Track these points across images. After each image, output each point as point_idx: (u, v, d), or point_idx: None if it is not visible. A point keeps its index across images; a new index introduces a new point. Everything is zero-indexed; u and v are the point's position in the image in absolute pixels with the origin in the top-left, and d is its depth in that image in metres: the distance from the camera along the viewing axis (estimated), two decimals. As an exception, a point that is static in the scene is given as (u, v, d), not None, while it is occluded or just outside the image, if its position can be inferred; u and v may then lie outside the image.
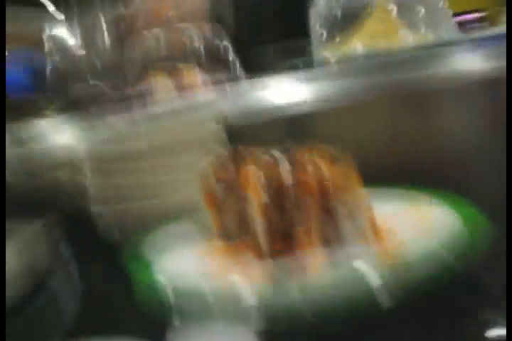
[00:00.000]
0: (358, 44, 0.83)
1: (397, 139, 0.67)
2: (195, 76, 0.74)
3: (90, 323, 0.45)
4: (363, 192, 0.43)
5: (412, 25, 0.85)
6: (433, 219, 0.45)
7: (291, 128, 0.72)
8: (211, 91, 0.70)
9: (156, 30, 0.72)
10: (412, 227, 0.44)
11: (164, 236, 0.50)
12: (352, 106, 0.62)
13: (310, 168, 0.42)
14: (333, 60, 0.82)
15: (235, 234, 0.47)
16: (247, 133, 0.65)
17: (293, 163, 0.44)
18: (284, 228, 0.44)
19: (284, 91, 0.75)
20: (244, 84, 0.76)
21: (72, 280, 0.51)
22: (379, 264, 0.38)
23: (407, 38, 0.84)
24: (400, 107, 0.69)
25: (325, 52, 0.87)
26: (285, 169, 0.43)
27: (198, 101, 0.67)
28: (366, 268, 0.38)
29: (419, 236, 0.42)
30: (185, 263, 0.44)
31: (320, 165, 0.42)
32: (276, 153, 0.45)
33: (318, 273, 0.40)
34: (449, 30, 0.83)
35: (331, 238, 0.42)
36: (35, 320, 0.44)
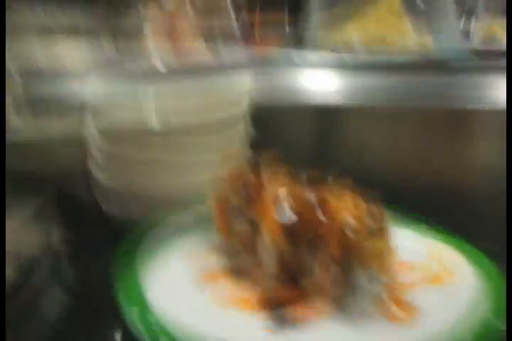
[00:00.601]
0: (357, 32, 0.82)
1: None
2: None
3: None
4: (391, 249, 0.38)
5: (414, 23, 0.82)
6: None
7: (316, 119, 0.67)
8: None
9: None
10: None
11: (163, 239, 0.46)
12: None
13: (337, 210, 0.36)
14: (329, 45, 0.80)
15: (239, 253, 0.42)
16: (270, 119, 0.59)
17: (321, 201, 0.38)
18: (293, 269, 0.39)
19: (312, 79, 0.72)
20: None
21: (62, 272, 0.45)
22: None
23: (410, 37, 0.82)
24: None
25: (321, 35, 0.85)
26: (312, 207, 0.37)
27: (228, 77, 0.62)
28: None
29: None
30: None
31: (349, 209, 0.36)
32: (303, 184, 0.39)
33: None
34: (451, 38, 0.82)
35: (342, 298, 0.37)
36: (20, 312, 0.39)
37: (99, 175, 0.54)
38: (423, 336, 0.35)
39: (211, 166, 0.51)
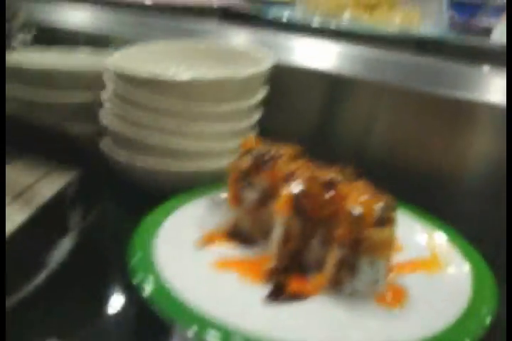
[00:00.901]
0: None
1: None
2: None
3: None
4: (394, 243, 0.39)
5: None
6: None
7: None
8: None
9: None
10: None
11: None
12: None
13: (348, 194, 0.37)
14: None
15: (246, 231, 0.43)
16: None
17: (332, 182, 0.39)
18: (299, 251, 0.41)
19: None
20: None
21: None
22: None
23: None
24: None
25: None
26: (323, 186, 0.38)
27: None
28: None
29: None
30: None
31: (363, 201, 0.37)
32: (322, 173, 0.40)
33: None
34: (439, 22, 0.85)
35: (343, 281, 0.39)
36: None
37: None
38: (408, 321, 0.37)
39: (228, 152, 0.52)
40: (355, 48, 0.79)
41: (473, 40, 0.83)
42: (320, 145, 0.62)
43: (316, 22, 0.90)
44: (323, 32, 0.87)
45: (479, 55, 0.75)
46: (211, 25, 0.97)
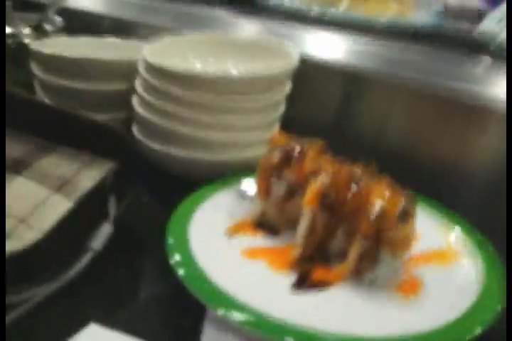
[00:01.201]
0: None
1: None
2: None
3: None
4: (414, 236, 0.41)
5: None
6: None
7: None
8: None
9: None
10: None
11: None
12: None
13: (373, 202, 0.40)
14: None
15: (273, 221, 0.46)
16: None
17: (358, 190, 0.41)
18: (323, 241, 0.43)
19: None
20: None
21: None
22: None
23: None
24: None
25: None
26: (351, 189, 0.41)
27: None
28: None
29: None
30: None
31: (386, 196, 0.40)
32: (345, 168, 0.43)
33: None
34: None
35: (363, 271, 0.42)
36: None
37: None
38: (421, 310, 0.40)
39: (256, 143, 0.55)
40: (366, 42, 0.82)
41: (462, 30, 0.83)
42: (337, 138, 0.64)
43: (315, 11, 0.92)
44: (321, 22, 0.89)
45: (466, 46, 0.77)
46: (220, 12, 1.00)
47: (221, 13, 0.99)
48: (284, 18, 0.93)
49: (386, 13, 0.91)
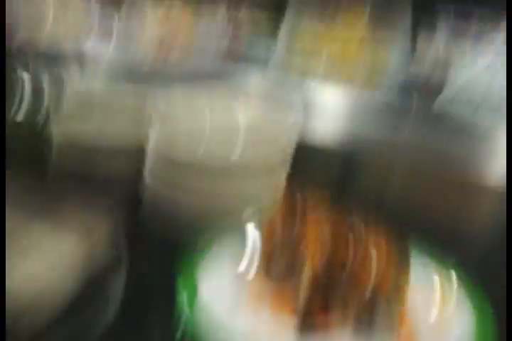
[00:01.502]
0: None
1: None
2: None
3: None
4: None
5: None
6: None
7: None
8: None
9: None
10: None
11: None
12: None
13: (372, 253, 0.43)
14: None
15: (277, 276, 0.49)
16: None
17: (358, 241, 0.45)
18: (325, 297, 0.46)
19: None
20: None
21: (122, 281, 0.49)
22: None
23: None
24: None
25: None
26: (349, 245, 0.45)
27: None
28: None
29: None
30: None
31: (382, 252, 0.43)
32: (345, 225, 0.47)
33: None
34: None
35: (361, 314, 0.45)
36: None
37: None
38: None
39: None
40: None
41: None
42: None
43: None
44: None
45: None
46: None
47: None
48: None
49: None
